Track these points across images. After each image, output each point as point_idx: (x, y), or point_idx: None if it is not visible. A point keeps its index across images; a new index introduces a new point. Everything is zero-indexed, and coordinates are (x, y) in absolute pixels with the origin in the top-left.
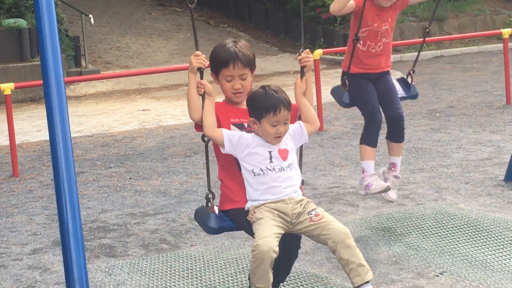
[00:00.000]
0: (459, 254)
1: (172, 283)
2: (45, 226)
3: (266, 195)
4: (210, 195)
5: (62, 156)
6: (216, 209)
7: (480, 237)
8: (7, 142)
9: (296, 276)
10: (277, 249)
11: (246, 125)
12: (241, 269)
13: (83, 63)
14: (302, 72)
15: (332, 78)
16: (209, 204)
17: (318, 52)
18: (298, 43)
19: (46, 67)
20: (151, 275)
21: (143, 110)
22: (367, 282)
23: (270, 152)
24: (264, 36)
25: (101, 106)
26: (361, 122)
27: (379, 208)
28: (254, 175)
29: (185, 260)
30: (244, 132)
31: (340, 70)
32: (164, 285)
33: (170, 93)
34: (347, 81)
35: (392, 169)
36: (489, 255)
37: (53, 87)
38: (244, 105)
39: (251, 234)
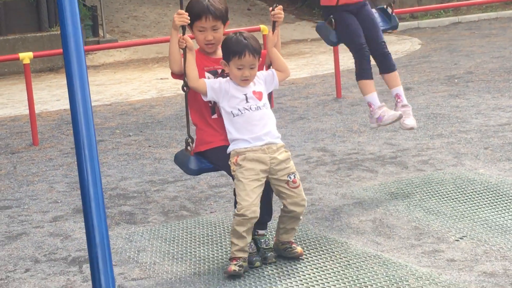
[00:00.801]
0: (479, 219)
1: (192, 249)
2: (65, 194)
3: (245, 134)
4: (190, 139)
5: (83, 123)
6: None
7: (499, 201)
8: (27, 112)
9: (317, 242)
10: (258, 210)
11: (219, 71)
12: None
13: (100, 32)
14: (274, 26)
15: None
16: (189, 148)
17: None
18: (315, 11)
19: (65, 35)
20: (171, 242)
21: (161, 78)
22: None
23: (245, 94)
24: (281, 4)
25: (119, 75)
26: (379, 89)
27: (398, 174)
28: (233, 116)
29: (204, 226)
30: (221, 78)
31: None
32: (184, 251)
33: None
34: (333, 20)
35: (398, 100)
36: (509, 219)
37: (73, 54)
38: (217, 55)
39: (229, 173)
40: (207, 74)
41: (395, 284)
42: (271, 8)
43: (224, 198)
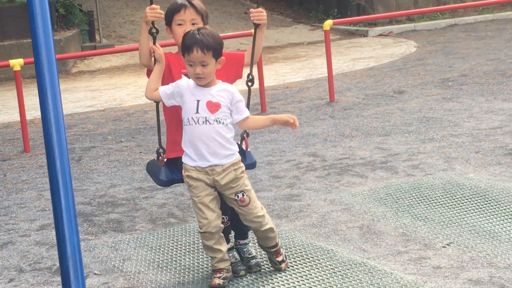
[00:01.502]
0: (467, 225)
1: (178, 258)
2: None
3: (190, 149)
4: (161, 150)
5: (54, 134)
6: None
7: (488, 207)
8: (19, 118)
9: (303, 249)
10: (220, 222)
11: None
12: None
13: (97, 37)
14: (255, 30)
15: (345, 49)
16: (160, 158)
17: (328, 22)
18: (312, 14)
19: (37, 45)
20: (157, 250)
21: None
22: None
23: (198, 101)
24: (278, 8)
25: (114, 80)
26: (372, 92)
27: (388, 179)
28: (184, 124)
29: (191, 234)
30: (179, 80)
31: (354, 40)
32: (170, 259)
33: None
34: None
35: None
36: (497, 225)
37: (44, 64)
38: None
39: None
40: (183, 76)
41: None
42: (251, 10)
43: None
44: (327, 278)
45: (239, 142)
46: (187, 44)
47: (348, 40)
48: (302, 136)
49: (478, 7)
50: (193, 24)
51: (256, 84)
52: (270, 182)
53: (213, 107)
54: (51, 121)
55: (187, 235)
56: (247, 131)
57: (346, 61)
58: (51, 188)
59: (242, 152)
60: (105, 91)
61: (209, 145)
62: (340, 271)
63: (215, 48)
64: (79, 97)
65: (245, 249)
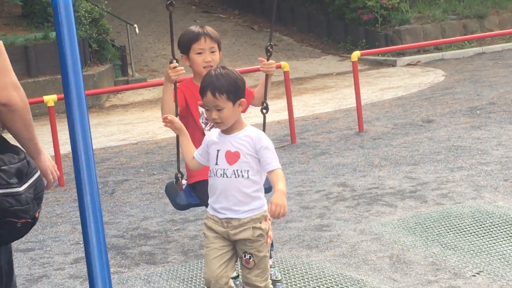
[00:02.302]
0: (497, 253)
1: None
2: None
3: (211, 198)
4: (179, 175)
5: (85, 171)
6: (184, 182)
7: None
8: (53, 153)
9: (333, 279)
10: (227, 280)
11: None
12: (278, 272)
13: (129, 71)
14: (267, 78)
15: (373, 79)
16: (178, 182)
17: (356, 54)
18: (340, 45)
19: (67, 83)
20: (189, 282)
21: None
22: None
23: (218, 151)
24: (307, 39)
25: (147, 114)
26: (401, 121)
27: (417, 208)
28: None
29: None
30: (208, 134)
31: (382, 70)
32: None
33: None
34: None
35: None
36: None
37: (74, 101)
38: None
39: None
40: (200, 109)
41: None
42: (261, 60)
43: None
44: None
45: None
46: (201, 87)
47: (376, 70)
48: (331, 167)
49: (505, 35)
50: (212, 52)
51: (286, 115)
52: (300, 212)
53: (232, 157)
54: (82, 159)
55: None
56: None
57: (375, 91)
58: (82, 223)
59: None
60: (137, 124)
61: (228, 199)
62: None
63: (230, 91)
64: (112, 130)
65: (271, 272)
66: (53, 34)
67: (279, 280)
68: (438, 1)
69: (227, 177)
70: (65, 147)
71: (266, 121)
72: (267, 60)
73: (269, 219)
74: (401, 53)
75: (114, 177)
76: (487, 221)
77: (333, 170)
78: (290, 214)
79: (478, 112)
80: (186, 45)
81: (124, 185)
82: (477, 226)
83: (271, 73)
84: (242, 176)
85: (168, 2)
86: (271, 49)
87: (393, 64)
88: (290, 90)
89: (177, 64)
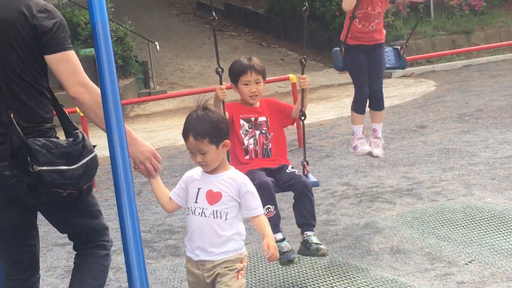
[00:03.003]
0: (487, 244)
1: None
2: (118, 230)
3: (188, 240)
4: None
5: (121, 172)
6: None
7: (505, 227)
8: None
9: (340, 268)
10: None
11: (252, 119)
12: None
13: (151, 84)
14: (303, 92)
15: None
16: None
17: None
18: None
19: (105, 93)
20: None
21: None
22: None
23: (198, 189)
24: (311, 54)
25: (168, 122)
26: (398, 127)
27: (414, 205)
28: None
29: None
30: (188, 172)
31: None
32: None
33: None
34: (343, 49)
35: (374, 133)
36: None
37: (111, 108)
38: (256, 105)
39: None
40: (241, 122)
41: None
42: (299, 76)
43: None
44: None
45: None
46: (184, 130)
47: None
48: (335, 168)
49: (490, 48)
50: (257, 83)
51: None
52: None
53: (213, 197)
54: (119, 161)
55: None
56: (306, 159)
57: None
58: (120, 218)
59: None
60: (159, 132)
61: (203, 239)
62: (373, 287)
63: (212, 134)
64: None
65: (312, 239)
66: (82, 51)
67: (318, 243)
68: (429, 18)
69: (205, 216)
70: (97, 152)
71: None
72: (302, 71)
73: (245, 263)
74: None
75: (140, 179)
76: (477, 216)
77: (337, 171)
78: None
79: (466, 118)
80: (235, 76)
81: (149, 186)
82: (468, 220)
83: (306, 87)
84: (221, 218)
85: (211, 18)
86: (304, 62)
87: (388, 76)
88: (298, 99)
89: (223, 86)
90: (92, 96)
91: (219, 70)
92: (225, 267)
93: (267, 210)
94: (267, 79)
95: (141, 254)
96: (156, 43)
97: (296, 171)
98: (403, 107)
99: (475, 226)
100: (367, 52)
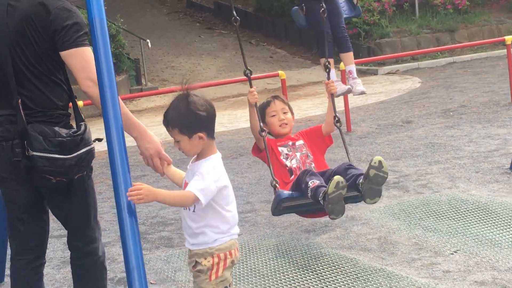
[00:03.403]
0: (471, 234)
1: None
2: (112, 223)
3: None
4: (274, 182)
5: (119, 165)
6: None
7: (489, 218)
8: None
9: (329, 258)
10: None
11: (290, 143)
12: (281, 253)
13: (143, 81)
14: (332, 98)
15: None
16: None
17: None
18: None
19: (102, 87)
20: None
21: None
22: None
23: (184, 179)
24: (299, 52)
25: (159, 118)
26: (384, 122)
27: (401, 197)
28: None
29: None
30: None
31: (366, 78)
32: None
33: (218, 104)
34: (304, 7)
35: (350, 75)
36: (497, 234)
37: (109, 103)
38: (289, 134)
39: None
40: (280, 149)
41: None
42: (326, 82)
43: (249, 222)
44: (351, 283)
45: None
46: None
47: (360, 78)
48: None
49: (473, 46)
50: (284, 112)
51: None
52: None
53: (185, 187)
54: (117, 154)
55: None
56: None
57: (360, 97)
58: (118, 209)
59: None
60: (151, 127)
61: (185, 228)
62: (362, 277)
63: (183, 124)
64: None
65: (360, 180)
66: None
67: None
68: (414, 17)
69: (189, 210)
70: None
71: None
72: (327, 76)
73: (221, 259)
74: (382, 63)
75: (133, 172)
76: (462, 207)
77: None
78: None
79: (451, 113)
80: (261, 113)
81: (142, 180)
82: (453, 211)
83: (334, 92)
84: (189, 209)
85: (233, 18)
86: (329, 66)
87: (375, 73)
88: (287, 96)
89: (254, 89)
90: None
91: (247, 72)
92: (196, 261)
93: (311, 183)
94: (257, 75)
95: (138, 243)
96: (148, 40)
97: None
98: (389, 103)
99: (460, 217)
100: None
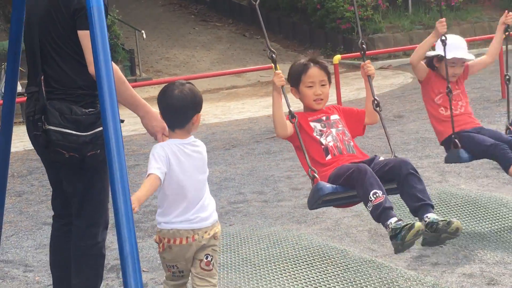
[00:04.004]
0: None
1: None
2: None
3: None
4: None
5: (115, 151)
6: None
7: (478, 213)
8: None
9: (320, 249)
10: None
11: (324, 118)
12: (272, 243)
13: (137, 72)
14: (370, 80)
15: (351, 80)
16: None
17: (337, 57)
18: (321, 51)
19: (100, 76)
20: None
21: None
22: None
23: None
24: (292, 45)
25: (153, 109)
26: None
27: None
28: None
29: (224, 237)
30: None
31: (358, 73)
32: None
33: (212, 96)
34: (457, 141)
35: None
36: (485, 228)
37: (106, 93)
38: (323, 109)
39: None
40: (312, 124)
41: (386, 285)
42: (362, 63)
43: (241, 213)
44: (341, 273)
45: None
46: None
47: (353, 73)
48: None
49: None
50: (322, 85)
51: None
52: (290, 193)
53: None
54: (113, 141)
55: (220, 238)
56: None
57: (352, 91)
58: (113, 196)
59: None
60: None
61: None
62: (352, 267)
63: (165, 117)
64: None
65: (435, 220)
66: None
67: (443, 220)
68: (406, 13)
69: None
70: None
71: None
72: (363, 57)
73: (161, 240)
74: (375, 58)
75: (127, 162)
76: (452, 201)
77: None
78: (281, 194)
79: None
80: (296, 76)
81: (135, 169)
82: (443, 205)
83: (372, 74)
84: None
85: None
86: (364, 46)
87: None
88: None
89: (280, 71)
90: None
91: (272, 54)
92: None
93: (374, 196)
94: (250, 68)
95: (132, 230)
96: (143, 31)
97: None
98: (381, 97)
99: (449, 211)
100: (473, 132)
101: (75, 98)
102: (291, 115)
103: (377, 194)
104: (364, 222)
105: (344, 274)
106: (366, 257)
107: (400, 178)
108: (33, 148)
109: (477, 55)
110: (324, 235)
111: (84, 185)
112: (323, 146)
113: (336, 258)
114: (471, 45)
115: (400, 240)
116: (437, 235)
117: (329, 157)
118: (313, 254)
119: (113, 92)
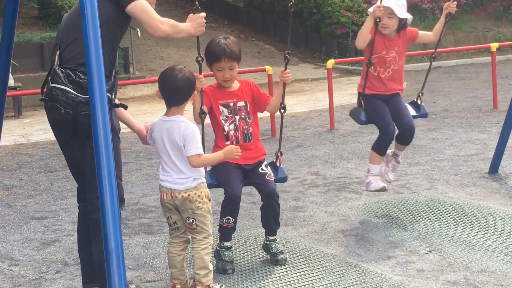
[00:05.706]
0: (446, 235)
1: None
2: None
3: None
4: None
5: (103, 151)
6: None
7: (465, 221)
8: None
9: (306, 252)
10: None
11: (231, 104)
12: (258, 245)
13: (131, 70)
14: (284, 86)
15: (344, 85)
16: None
17: (331, 62)
18: (316, 55)
19: (91, 69)
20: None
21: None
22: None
23: None
24: (287, 49)
25: (146, 107)
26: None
27: (380, 196)
28: None
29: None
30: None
31: (352, 78)
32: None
33: None
34: (362, 102)
35: (395, 156)
36: (472, 236)
37: (96, 84)
38: (232, 88)
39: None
40: (221, 108)
41: None
42: (282, 70)
43: None
44: (326, 277)
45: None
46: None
47: (346, 78)
48: (306, 158)
49: (459, 52)
50: (231, 69)
51: (267, 113)
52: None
53: None
54: (102, 141)
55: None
56: (281, 150)
57: (345, 96)
58: (100, 191)
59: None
60: (137, 115)
61: None
62: (338, 271)
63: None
64: None
65: (273, 245)
66: None
67: (281, 251)
68: None
69: None
70: None
71: None
72: (285, 66)
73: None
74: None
75: None
76: (439, 209)
77: (307, 161)
78: None
79: (433, 116)
80: (209, 59)
81: (125, 167)
82: (431, 212)
83: (287, 82)
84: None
85: (290, 4)
86: (288, 57)
87: (358, 74)
88: (273, 91)
89: (201, 76)
90: (170, 27)
91: (199, 59)
92: None
93: (227, 220)
94: (244, 69)
95: (118, 225)
96: (138, 30)
97: (268, 173)
98: None
99: (436, 219)
100: (384, 100)
101: (84, 68)
102: (201, 111)
103: (229, 220)
104: (351, 227)
105: (329, 277)
106: (351, 261)
107: (264, 201)
108: (23, 142)
109: (470, 64)
110: (311, 238)
111: (90, 157)
112: (224, 133)
113: (322, 262)
114: (465, 54)
115: (217, 264)
116: (269, 255)
117: (227, 142)
118: (299, 256)
119: (102, 84)
